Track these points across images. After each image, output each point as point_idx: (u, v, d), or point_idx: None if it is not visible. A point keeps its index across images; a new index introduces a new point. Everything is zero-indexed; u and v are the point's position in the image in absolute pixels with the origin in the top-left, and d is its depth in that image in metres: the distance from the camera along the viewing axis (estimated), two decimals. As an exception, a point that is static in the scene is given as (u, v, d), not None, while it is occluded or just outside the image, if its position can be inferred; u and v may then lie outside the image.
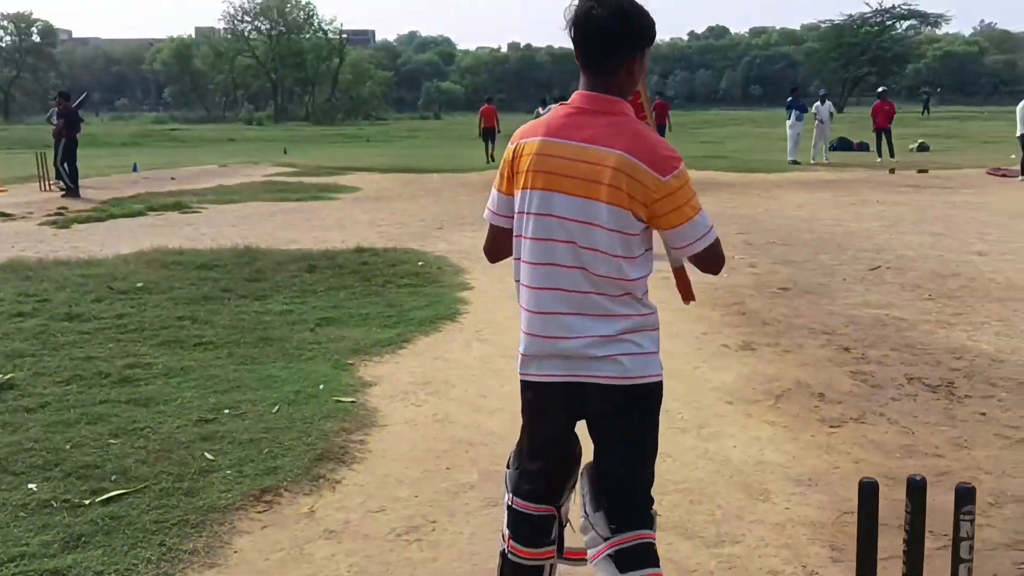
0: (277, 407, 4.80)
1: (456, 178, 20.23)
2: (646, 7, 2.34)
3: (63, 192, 16.83)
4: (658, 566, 2.48)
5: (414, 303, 7.26)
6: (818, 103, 21.78)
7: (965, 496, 1.81)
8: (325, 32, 78.77)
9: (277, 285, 7.96)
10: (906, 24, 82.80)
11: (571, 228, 2.34)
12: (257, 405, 4.86)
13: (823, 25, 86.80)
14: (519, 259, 2.47)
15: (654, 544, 2.49)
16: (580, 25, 2.30)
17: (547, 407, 2.51)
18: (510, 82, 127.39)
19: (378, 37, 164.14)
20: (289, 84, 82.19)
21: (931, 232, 10.58)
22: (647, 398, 2.44)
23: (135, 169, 22.37)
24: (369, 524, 3.57)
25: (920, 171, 18.54)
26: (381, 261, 9.10)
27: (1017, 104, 17.13)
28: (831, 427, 4.49)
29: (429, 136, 45.97)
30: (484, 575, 3.17)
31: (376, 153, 30.40)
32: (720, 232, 2.50)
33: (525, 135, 2.44)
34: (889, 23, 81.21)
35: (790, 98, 22.41)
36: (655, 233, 2.43)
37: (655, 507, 2.56)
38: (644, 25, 2.33)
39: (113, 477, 3.90)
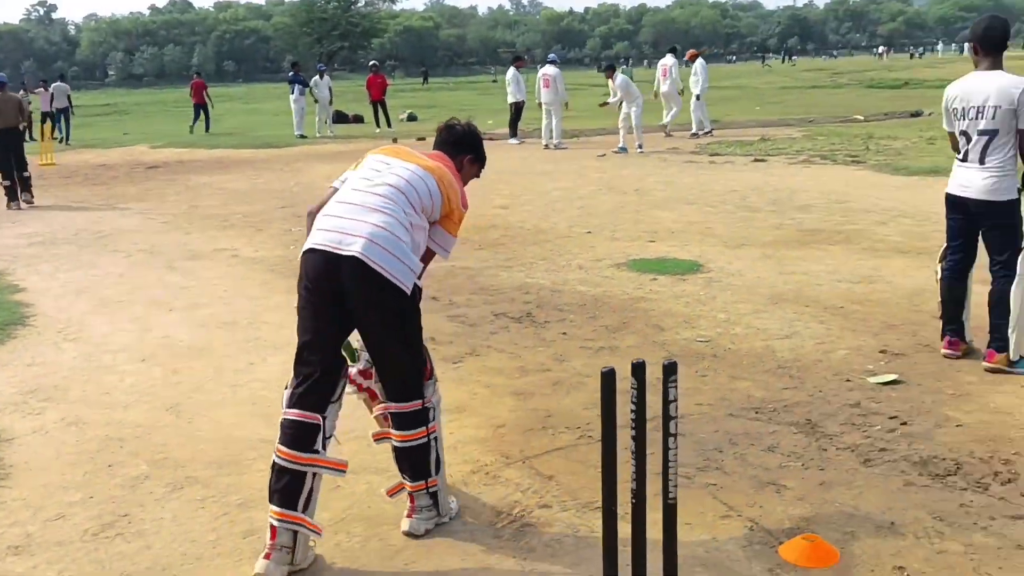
0: None
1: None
2: None
3: None
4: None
5: (-35, 312, 6.46)
6: (316, 77, 22.47)
7: (671, 368, 2.43)
8: None
9: None
10: (364, 1, 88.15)
11: None
12: None
13: (287, 0, 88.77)
14: None
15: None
16: None
17: None
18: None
19: None
20: None
21: (454, 192, 11.73)
22: None
23: None
24: (55, 532, 3.36)
25: (419, 139, 20.20)
26: None
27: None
28: (454, 363, 5.09)
29: None
30: (206, 548, 3.22)
31: None
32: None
33: None
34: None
35: (291, 73, 22.90)
36: None
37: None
38: None
39: None
